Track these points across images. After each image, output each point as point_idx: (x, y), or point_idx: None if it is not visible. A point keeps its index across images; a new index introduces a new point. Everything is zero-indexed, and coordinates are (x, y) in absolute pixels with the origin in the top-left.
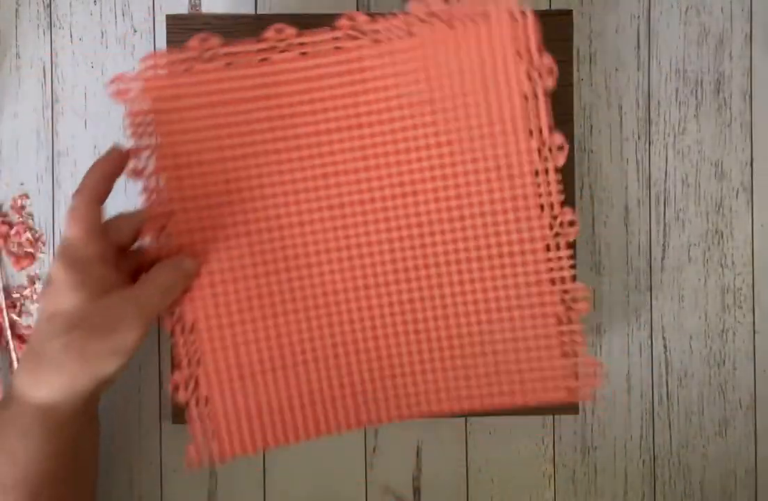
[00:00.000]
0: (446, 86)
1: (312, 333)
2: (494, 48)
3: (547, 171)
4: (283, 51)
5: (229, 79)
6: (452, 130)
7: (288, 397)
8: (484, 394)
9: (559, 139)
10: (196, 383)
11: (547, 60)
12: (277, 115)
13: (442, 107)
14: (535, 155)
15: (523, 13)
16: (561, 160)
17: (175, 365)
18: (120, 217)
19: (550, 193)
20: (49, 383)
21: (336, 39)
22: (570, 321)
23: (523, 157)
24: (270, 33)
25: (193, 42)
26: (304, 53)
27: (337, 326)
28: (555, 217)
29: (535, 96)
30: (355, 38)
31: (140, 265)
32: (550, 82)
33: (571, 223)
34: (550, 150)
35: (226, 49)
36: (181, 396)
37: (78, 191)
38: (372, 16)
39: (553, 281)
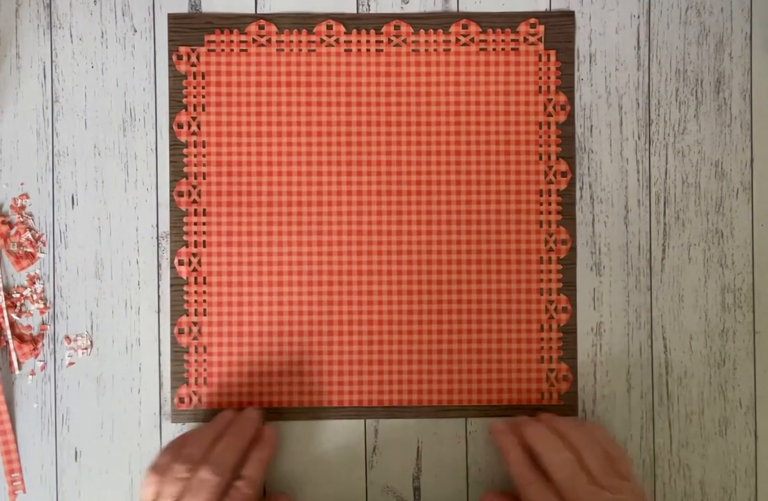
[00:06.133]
0: (472, 103)
1: (312, 307)
2: (519, 78)
3: (549, 192)
4: (329, 45)
5: (278, 63)
6: (472, 142)
7: (278, 363)
8: (473, 389)
9: (563, 166)
10: (199, 331)
11: (562, 98)
12: (315, 102)
13: (465, 120)
14: (542, 177)
15: (548, 54)
16: (563, 184)
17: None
18: None
19: (549, 212)
20: None
21: (379, 42)
22: (550, 329)
23: (531, 178)
24: (321, 28)
25: (252, 27)
26: (348, 50)
27: (336, 305)
28: (551, 234)
29: (548, 125)
30: (396, 45)
31: None
32: (562, 117)
33: (564, 242)
34: (555, 174)
35: (279, 37)
36: (184, 340)
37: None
38: (415, 28)
39: (540, 291)
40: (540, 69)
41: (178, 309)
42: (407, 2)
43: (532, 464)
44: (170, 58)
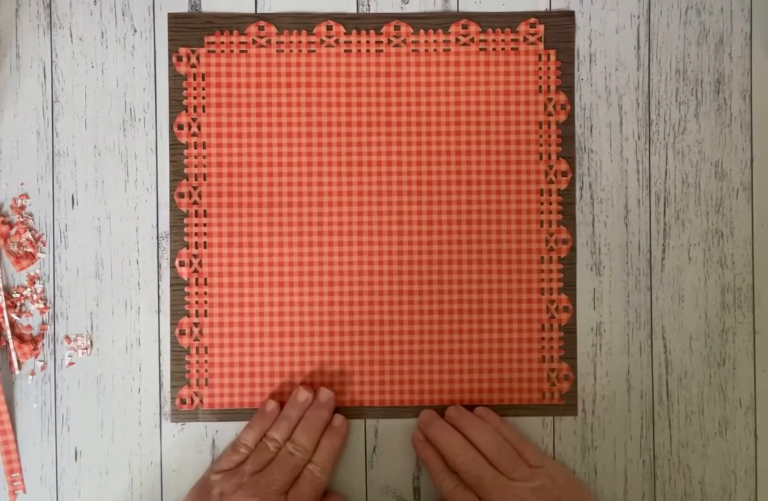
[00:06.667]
0: (472, 102)
1: (313, 307)
2: (519, 78)
3: (550, 192)
4: (329, 46)
5: (278, 64)
6: (472, 142)
7: (280, 364)
8: (474, 389)
9: (564, 165)
10: (200, 332)
11: (562, 97)
12: (315, 102)
13: (465, 120)
14: (542, 177)
15: (548, 53)
16: (563, 184)
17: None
18: None
19: (550, 212)
20: None
21: (378, 43)
22: (551, 329)
23: (531, 177)
24: (320, 28)
25: (252, 28)
26: (348, 50)
27: (337, 305)
28: (551, 234)
29: (548, 125)
30: (396, 45)
31: None
32: (562, 117)
33: (565, 242)
34: (555, 174)
35: (279, 38)
36: (185, 341)
37: None
38: (415, 28)
39: (541, 291)
40: (540, 69)
41: (178, 310)
42: (407, 2)
43: (451, 470)
44: (170, 58)
